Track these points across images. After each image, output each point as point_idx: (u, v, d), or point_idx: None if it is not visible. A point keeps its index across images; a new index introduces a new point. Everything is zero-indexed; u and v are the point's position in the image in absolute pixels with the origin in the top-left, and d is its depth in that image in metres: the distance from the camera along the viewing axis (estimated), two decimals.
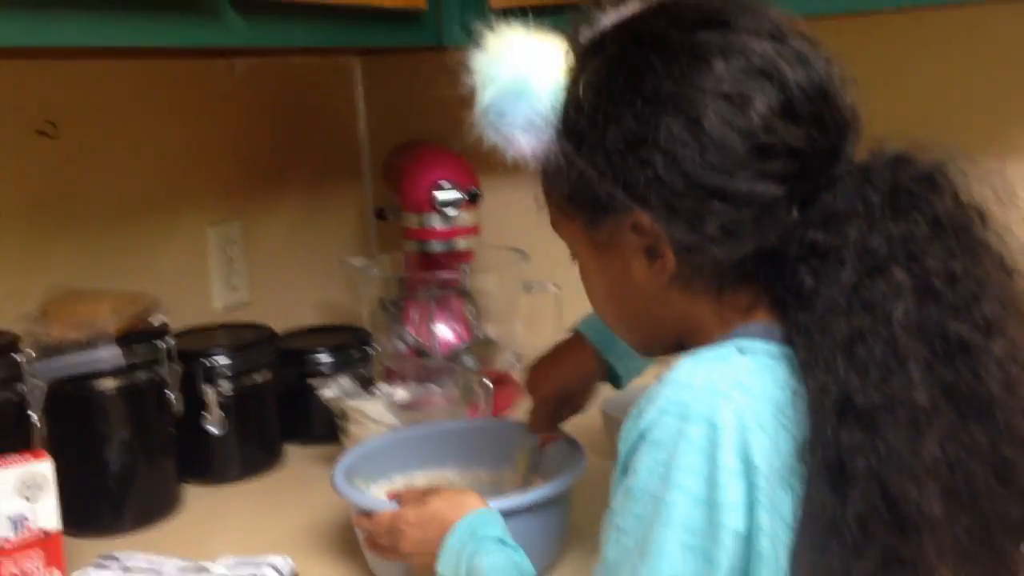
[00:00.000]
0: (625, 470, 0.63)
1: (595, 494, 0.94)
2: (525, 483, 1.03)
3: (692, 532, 0.57)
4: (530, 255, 1.42)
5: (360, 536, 0.94)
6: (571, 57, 0.67)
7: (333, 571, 1.00)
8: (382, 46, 1.30)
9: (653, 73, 0.60)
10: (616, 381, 1.04)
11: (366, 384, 1.29)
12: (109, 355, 1.02)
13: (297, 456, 1.32)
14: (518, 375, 1.45)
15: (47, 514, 0.94)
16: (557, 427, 1.05)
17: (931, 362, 0.57)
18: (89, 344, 1.02)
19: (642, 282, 0.66)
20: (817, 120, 0.60)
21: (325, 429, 1.34)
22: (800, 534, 0.57)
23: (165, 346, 1.11)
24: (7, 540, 0.92)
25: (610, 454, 1.25)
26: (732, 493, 0.57)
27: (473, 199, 1.40)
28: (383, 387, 1.28)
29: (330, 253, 1.71)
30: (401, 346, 1.47)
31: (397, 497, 0.90)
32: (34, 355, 0.97)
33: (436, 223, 1.41)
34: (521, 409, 1.11)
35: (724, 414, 0.57)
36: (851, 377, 0.57)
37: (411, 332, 1.45)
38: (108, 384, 1.06)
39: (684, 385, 0.60)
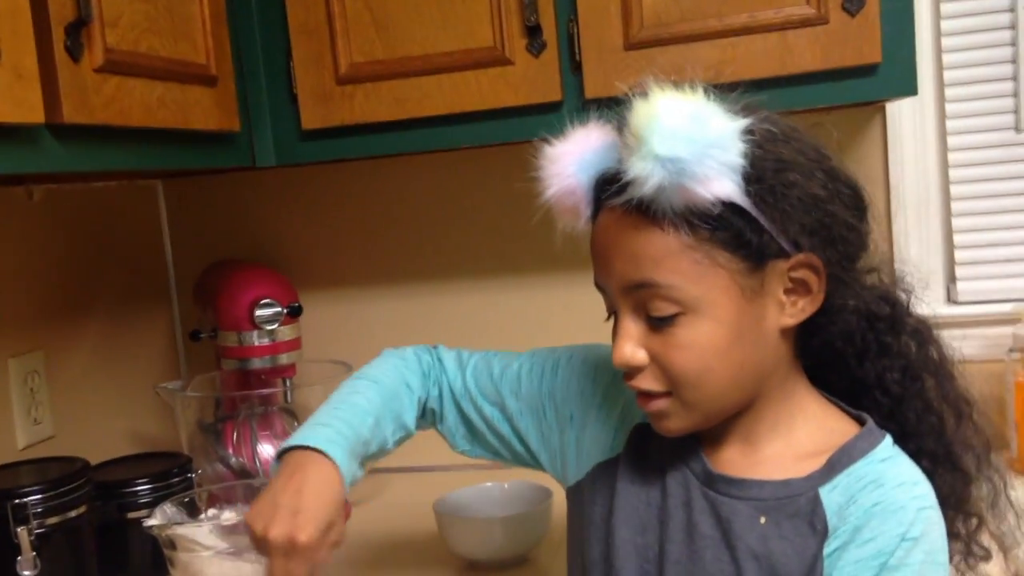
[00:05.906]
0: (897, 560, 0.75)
1: None
2: None
3: None
4: (353, 367, 1.44)
5: None
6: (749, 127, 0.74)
7: None
8: (198, 167, 1.31)
9: (823, 157, 0.78)
10: None
11: (191, 511, 1.25)
12: None
13: None
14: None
15: None
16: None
17: None
18: None
19: (770, 326, 0.78)
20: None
21: (145, 565, 1.27)
22: None
23: None
24: None
25: (444, 554, 1.26)
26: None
27: (294, 313, 1.41)
28: (210, 512, 1.24)
29: (140, 379, 1.65)
30: (223, 469, 1.43)
31: None
32: None
33: (256, 340, 1.41)
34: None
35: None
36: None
37: (232, 454, 1.42)
38: None
39: (920, 481, 0.78)
